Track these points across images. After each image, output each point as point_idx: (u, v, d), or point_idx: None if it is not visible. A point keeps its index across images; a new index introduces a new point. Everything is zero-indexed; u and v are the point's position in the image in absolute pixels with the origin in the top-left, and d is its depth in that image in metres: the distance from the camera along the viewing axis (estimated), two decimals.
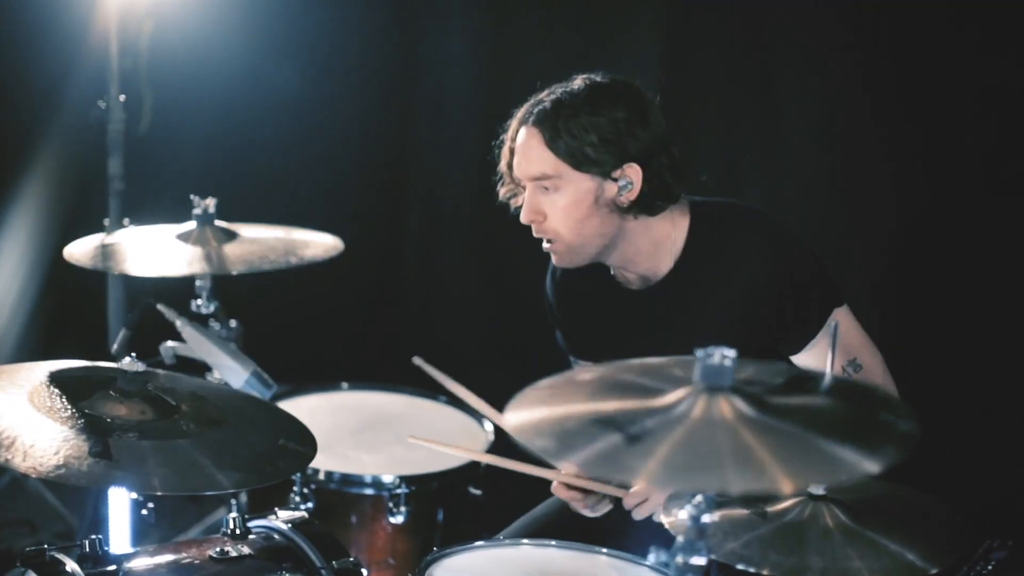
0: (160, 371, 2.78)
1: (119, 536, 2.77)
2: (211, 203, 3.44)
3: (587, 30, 4.40)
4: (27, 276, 4.68)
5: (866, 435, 1.92)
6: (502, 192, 2.98)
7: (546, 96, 2.85)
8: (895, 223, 3.96)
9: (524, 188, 2.89)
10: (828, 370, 2.49)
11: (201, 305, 3.50)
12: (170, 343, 3.34)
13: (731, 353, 1.92)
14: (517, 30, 4.60)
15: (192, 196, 3.44)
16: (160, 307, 3.30)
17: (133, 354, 2.70)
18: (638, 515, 2.81)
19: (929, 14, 3.74)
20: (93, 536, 2.52)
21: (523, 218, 2.87)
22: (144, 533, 3.04)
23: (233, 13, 4.62)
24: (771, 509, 2.32)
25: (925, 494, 2.50)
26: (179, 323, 3.30)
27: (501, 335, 4.78)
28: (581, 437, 1.85)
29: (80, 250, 3.36)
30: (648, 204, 2.84)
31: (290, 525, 2.71)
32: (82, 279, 3.30)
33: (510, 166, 2.91)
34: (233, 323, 3.57)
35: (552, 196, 2.83)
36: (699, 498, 1.96)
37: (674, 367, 2.04)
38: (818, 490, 2.33)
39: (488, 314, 4.83)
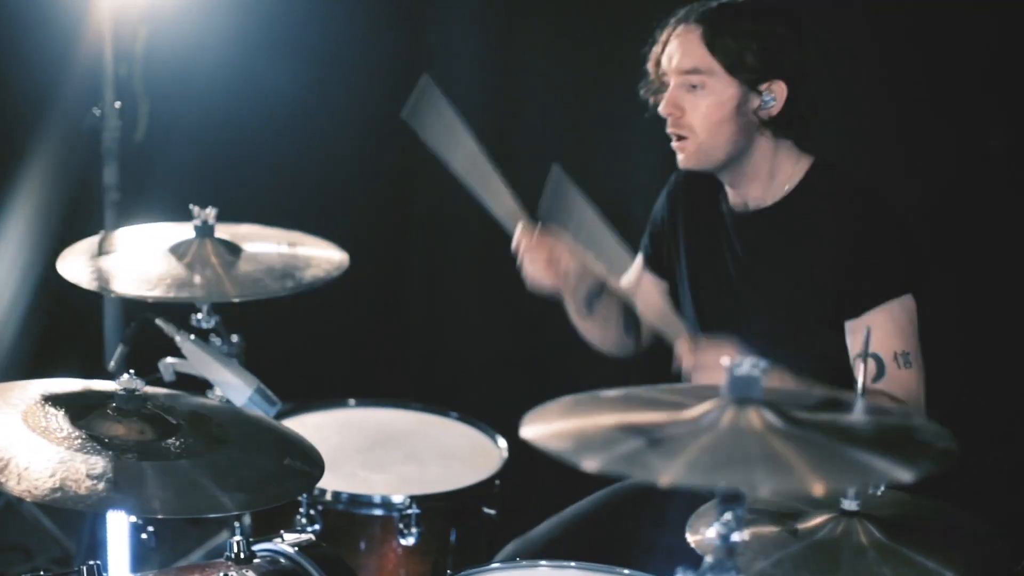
0: (159, 388, 2.76)
1: (118, 561, 2.75)
2: (211, 213, 3.41)
3: (599, 36, 4.39)
4: (19, 289, 4.67)
5: (900, 449, 1.90)
6: (643, 90, 3.15)
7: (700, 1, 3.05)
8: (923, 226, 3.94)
9: (667, 84, 3.06)
10: (859, 374, 2.48)
11: (201, 319, 3.47)
12: (169, 359, 3.32)
13: (762, 363, 1.90)
14: (527, 34, 4.59)
15: (191, 206, 3.41)
16: (159, 321, 3.28)
17: (131, 371, 2.68)
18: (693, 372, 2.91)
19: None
20: (91, 562, 2.50)
21: (662, 110, 3.04)
22: (144, 558, 3.02)
23: (230, 17, 4.61)
24: (802, 526, 2.30)
25: (963, 511, 2.48)
26: (179, 338, 3.28)
27: (510, 348, 4.76)
28: (602, 442, 1.84)
29: (73, 267, 3.33)
30: (784, 124, 3.03)
31: (296, 548, 2.69)
32: (77, 292, 3.28)
33: (658, 62, 3.08)
34: (235, 338, 3.54)
35: (696, 94, 3.00)
36: (728, 516, 1.93)
37: (701, 391, 2.03)
38: (851, 506, 2.31)
39: (497, 327, 4.81)
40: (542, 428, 1.92)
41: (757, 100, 2.99)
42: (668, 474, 1.77)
